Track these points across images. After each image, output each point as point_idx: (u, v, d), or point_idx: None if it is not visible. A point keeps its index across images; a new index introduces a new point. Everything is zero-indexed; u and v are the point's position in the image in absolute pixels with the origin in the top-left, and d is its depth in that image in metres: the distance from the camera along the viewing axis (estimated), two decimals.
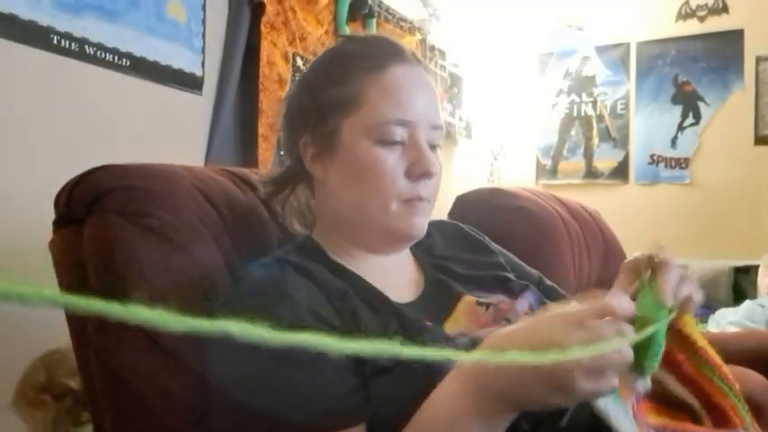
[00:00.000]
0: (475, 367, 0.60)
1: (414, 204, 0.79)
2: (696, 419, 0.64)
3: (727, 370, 0.65)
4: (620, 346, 0.53)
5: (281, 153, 0.92)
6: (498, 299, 0.84)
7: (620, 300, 0.57)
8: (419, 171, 0.78)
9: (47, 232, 0.83)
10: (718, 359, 0.65)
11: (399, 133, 0.78)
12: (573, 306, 0.56)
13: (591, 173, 3.65)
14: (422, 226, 0.81)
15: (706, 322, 2.55)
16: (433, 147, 0.81)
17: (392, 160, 0.78)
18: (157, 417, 0.74)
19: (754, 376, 1.13)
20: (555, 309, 0.57)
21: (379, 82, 0.78)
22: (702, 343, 0.66)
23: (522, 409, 0.58)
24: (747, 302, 2.46)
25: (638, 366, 0.57)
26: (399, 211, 0.78)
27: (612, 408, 0.56)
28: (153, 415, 0.74)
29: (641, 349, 0.57)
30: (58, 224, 0.83)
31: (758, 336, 1.68)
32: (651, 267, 0.67)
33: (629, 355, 0.54)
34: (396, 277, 0.84)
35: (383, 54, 0.80)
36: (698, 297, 0.67)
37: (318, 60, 0.87)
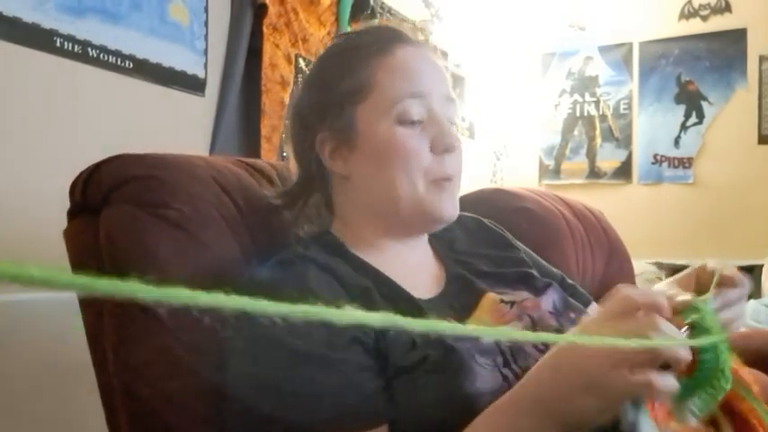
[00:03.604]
0: (532, 391, 0.59)
1: (442, 185, 0.78)
2: (718, 429, 0.62)
3: (744, 372, 0.63)
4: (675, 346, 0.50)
5: (284, 153, 0.91)
6: (522, 296, 0.83)
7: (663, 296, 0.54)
8: (443, 145, 0.78)
9: (50, 235, 0.83)
10: (734, 362, 0.63)
11: (416, 110, 0.78)
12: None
13: (594, 173, 3.64)
14: (453, 207, 0.80)
15: None
16: (450, 123, 0.81)
17: (415, 137, 0.77)
18: (175, 418, 0.74)
19: (759, 376, 1.13)
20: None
21: (387, 63, 0.79)
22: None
23: (561, 422, 0.55)
24: (752, 302, 2.45)
25: (700, 410, 0.54)
26: (428, 191, 0.78)
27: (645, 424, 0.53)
28: (171, 416, 0.73)
29: (701, 384, 0.54)
30: (72, 214, 0.82)
31: (763, 335, 1.67)
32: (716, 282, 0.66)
33: (681, 356, 0.50)
34: (417, 272, 0.83)
35: (387, 38, 0.82)
36: (738, 323, 0.65)
37: (322, 58, 0.87)
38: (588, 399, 0.52)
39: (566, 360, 0.55)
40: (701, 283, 0.72)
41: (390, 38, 0.82)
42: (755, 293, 2.80)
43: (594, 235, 1.65)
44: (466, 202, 1.46)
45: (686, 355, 0.51)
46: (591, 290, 1.53)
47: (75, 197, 0.81)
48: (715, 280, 0.66)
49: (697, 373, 0.54)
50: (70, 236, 0.81)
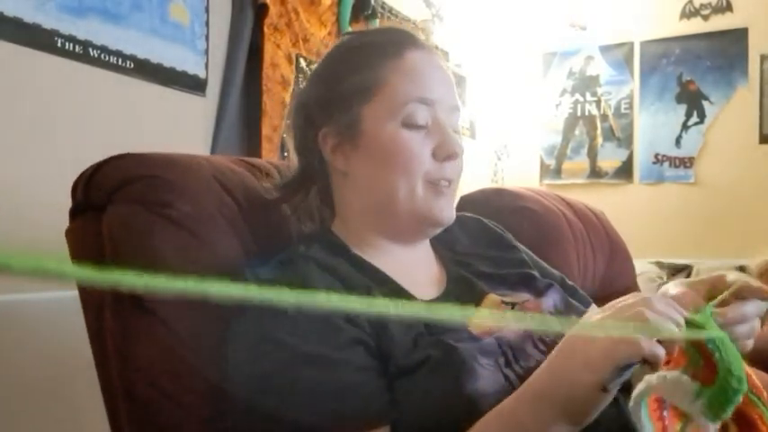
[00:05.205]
0: (533, 380, 0.61)
1: (440, 187, 0.78)
2: (723, 428, 0.62)
3: (756, 379, 0.63)
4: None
5: (285, 152, 0.91)
6: (523, 297, 0.83)
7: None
8: (445, 152, 0.78)
9: (52, 236, 0.83)
10: (747, 367, 0.63)
11: (423, 115, 0.78)
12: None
13: (595, 172, 3.64)
14: (450, 210, 0.81)
15: None
16: (454, 131, 0.81)
17: (418, 141, 0.77)
18: (177, 418, 0.74)
19: (760, 376, 1.13)
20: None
21: (398, 66, 0.79)
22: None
23: (562, 409, 0.57)
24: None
25: (712, 411, 0.54)
26: (426, 193, 0.78)
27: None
28: (172, 416, 0.74)
29: (719, 395, 0.55)
30: (74, 213, 0.82)
31: (763, 335, 1.67)
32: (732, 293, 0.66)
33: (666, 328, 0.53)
34: (418, 273, 0.83)
35: (400, 40, 0.81)
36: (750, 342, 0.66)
37: (331, 54, 0.86)
38: (585, 375, 0.54)
39: (569, 345, 0.58)
40: (717, 292, 0.69)
41: (403, 41, 0.82)
42: None
43: (595, 235, 1.65)
44: (466, 201, 1.46)
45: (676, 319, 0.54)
46: (592, 290, 1.53)
47: (77, 196, 0.81)
48: (732, 289, 0.66)
49: (715, 380, 0.55)
50: (72, 235, 0.81)
